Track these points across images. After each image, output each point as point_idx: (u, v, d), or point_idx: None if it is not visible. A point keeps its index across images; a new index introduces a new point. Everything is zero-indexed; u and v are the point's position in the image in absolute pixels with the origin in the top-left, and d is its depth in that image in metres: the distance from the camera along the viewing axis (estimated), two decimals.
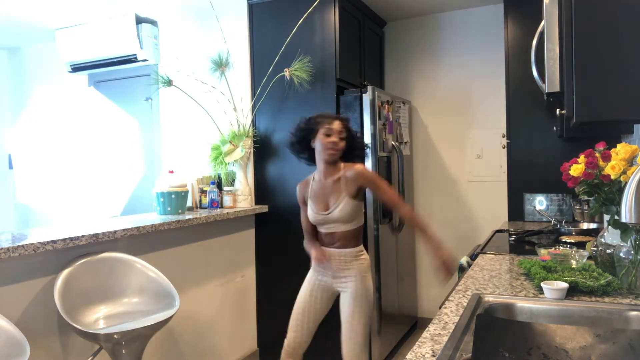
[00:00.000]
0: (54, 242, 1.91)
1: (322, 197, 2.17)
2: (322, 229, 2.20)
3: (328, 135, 2.11)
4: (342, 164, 2.18)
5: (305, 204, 2.28)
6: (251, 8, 3.31)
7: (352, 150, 2.22)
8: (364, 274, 2.17)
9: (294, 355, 2.26)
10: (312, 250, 2.24)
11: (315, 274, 2.28)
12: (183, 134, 3.54)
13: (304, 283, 2.31)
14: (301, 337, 2.24)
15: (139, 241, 2.45)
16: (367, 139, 3.05)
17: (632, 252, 1.33)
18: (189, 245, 2.79)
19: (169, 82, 3.18)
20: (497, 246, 2.24)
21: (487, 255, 2.01)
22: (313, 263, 2.27)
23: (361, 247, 2.21)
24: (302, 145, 2.23)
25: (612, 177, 1.38)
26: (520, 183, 3.27)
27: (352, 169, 2.11)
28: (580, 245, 2.06)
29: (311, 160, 2.25)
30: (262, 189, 3.32)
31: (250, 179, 3.30)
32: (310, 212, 2.21)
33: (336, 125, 2.13)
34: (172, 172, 2.93)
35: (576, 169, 1.47)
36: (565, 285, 1.30)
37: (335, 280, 2.20)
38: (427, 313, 3.94)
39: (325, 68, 3.09)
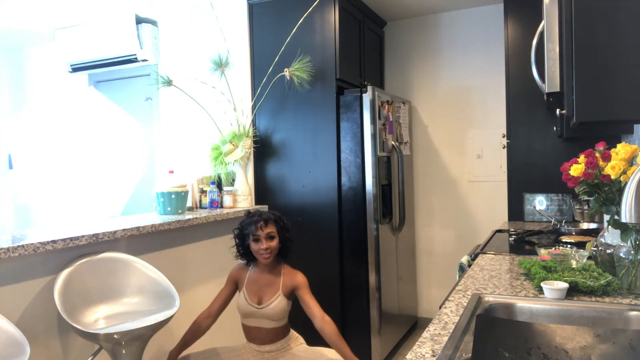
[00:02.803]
0: (54, 242, 1.91)
1: (257, 288, 2.12)
2: (248, 322, 2.14)
3: (257, 241, 2.08)
4: (283, 265, 2.16)
5: (235, 284, 2.19)
6: (251, 8, 3.31)
7: (285, 242, 2.15)
8: (299, 344, 2.16)
9: None
10: None
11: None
12: (183, 134, 3.54)
13: None
14: None
15: (139, 241, 2.44)
16: (367, 139, 3.05)
17: (632, 252, 1.33)
18: (189, 245, 2.79)
19: (169, 82, 3.18)
20: (497, 246, 2.24)
21: (487, 255, 2.01)
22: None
23: (291, 331, 2.18)
24: (244, 249, 2.16)
25: (612, 177, 1.38)
26: (520, 183, 3.27)
27: (295, 278, 2.11)
28: (580, 245, 2.06)
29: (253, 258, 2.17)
30: (262, 189, 3.32)
31: (250, 179, 3.30)
32: (242, 301, 2.11)
33: (263, 228, 2.07)
34: (172, 172, 2.93)
35: (576, 169, 1.47)
36: (565, 285, 1.30)
37: None
38: (427, 313, 3.94)
39: (325, 68, 3.09)
